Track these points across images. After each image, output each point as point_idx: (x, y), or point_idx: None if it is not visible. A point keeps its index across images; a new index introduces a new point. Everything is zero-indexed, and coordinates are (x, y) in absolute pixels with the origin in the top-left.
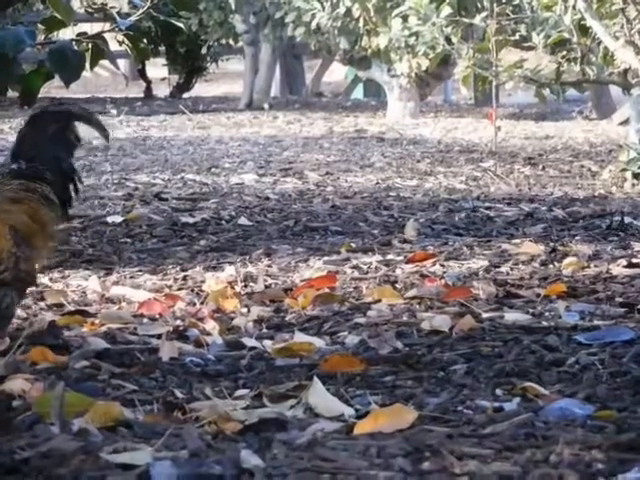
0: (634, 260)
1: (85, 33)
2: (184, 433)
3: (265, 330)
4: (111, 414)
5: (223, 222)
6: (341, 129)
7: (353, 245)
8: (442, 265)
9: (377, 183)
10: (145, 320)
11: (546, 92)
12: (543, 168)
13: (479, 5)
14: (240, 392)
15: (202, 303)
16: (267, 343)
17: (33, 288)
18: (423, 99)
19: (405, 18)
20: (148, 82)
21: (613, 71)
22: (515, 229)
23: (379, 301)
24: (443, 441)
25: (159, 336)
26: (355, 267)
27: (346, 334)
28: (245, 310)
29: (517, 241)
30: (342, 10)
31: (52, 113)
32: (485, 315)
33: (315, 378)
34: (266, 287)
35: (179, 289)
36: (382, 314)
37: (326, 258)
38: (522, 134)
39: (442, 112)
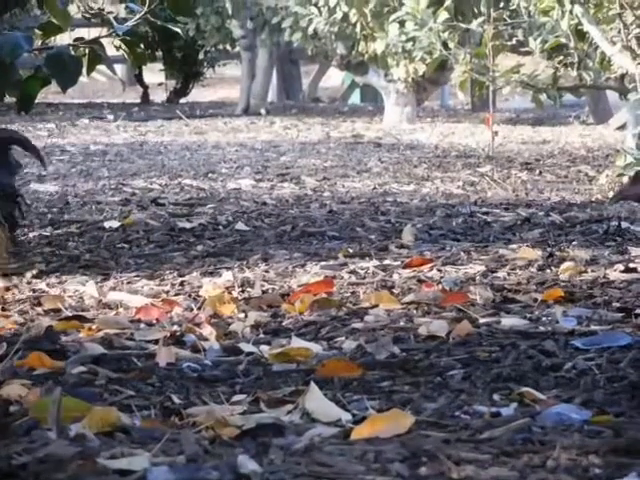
0: (631, 265)
1: (82, 38)
2: (181, 438)
3: (262, 335)
4: (108, 419)
5: (220, 227)
6: (338, 134)
7: (350, 250)
8: (439, 270)
9: (374, 188)
10: (142, 325)
11: (543, 97)
12: (540, 173)
13: (476, 10)
14: (237, 397)
15: (199, 308)
16: (264, 348)
17: (30, 293)
18: (420, 104)
19: (402, 23)
20: (145, 87)
21: (610, 76)
22: (512, 234)
23: (376, 306)
24: (440, 446)
25: (156, 341)
26: (352, 272)
27: (343, 339)
28: (242, 315)
29: (514, 246)
30: (339, 15)
31: None
32: (482, 320)
33: (312, 383)
34: (263, 292)
35: (176, 294)
36: (379, 319)
37: (323, 263)
38: (519, 139)
39: (439, 117)
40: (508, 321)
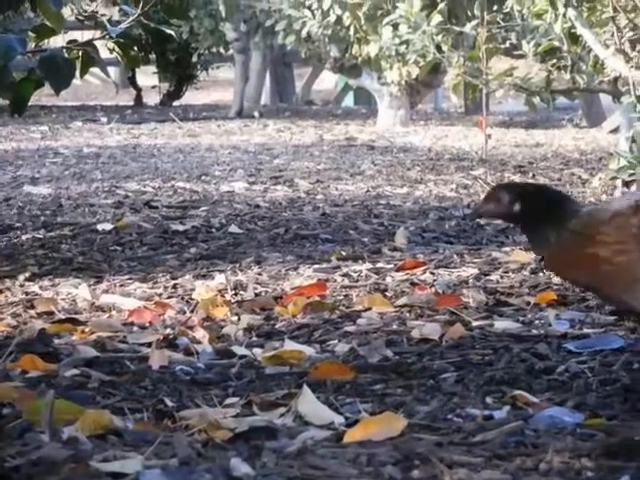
0: None
1: (76, 41)
2: (174, 441)
3: (255, 338)
4: (101, 422)
5: (213, 230)
6: (331, 137)
7: (343, 253)
8: (432, 273)
9: (367, 191)
10: (135, 328)
11: (536, 100)
12: (533, 176)
13: (469, 13)
14: (230, 400)
15: (192, 311)
16: (257, 351)
17: (23, 296)
18: (413, 107)
19: (395, 26)
20: (138, 90)
21: (603, 79)
22: (505, 237)
23: (369, 309)
24: (433, 449)
25: (149, 344)
26: (345, 275)
27: (336, 342)
28: (235, 318)
29: (507, 249)
30: (333, 18)
31: None
32: (475, 323)
33: (305, 386)
34: (256, 295)
35: (169, 297)
36: (372, 322)
37: (316, 266)
38: (512, 142)
39: (432, 120)
40: (501, 324)
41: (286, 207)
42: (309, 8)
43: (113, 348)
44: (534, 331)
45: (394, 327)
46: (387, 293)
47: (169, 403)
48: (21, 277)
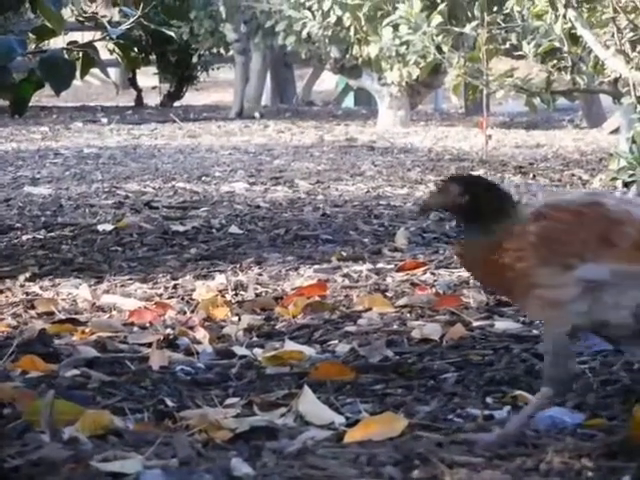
0: None
1: (76, 42)
2: (174, 441)
3: (255, 338)
4: (101, 422)
5: (214, 230)
6: (332, 138)
7: (344, 254)
8: (433, 273)
9: (368, 192)
10: (135, 329)
11: (537, 101)
12: (534, 177)
13: (470, 14)
14: (230, 400)
15: (192, 312)
16: (257, 351)
17: (23, 296)
18: (414, 108)
19: (396, 27)
20: (139, 91)
21: (603, 80)
22: None
23: (370, 309)
24: (433, 449)
25: (149, 345)
26: (346, 275)
27: (336, 342)
28: (235, 318)
29: None
30: (333, 19)
31: None
32: (475, 323)
33: (305, 386)
34: (257, 295)
35: (169, 297)
36: (372, 322)
37: (317, 266)
38: (513, 143)
39: (433, 121)
40: (501, 324)
41: (286, 208)
42: (309, 9)
43: (113, 348)
44: (534, 331)
45: (394, 327)
46: (387, 293)
47: (169, 403)
48: (21, 277)
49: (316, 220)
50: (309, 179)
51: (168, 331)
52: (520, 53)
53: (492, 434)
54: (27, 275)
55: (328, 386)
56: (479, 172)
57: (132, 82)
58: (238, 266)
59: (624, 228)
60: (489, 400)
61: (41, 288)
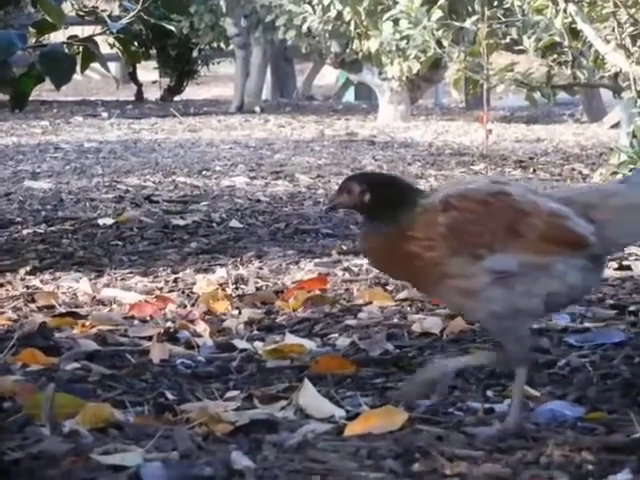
0: (624, 263)
1: (76, 36)
2: (175, 434)
3: (256, 332)
4: (102, 415)
5: (214, 224)
6: (332, 132)
7: (344, 247)
8: None
9: None
10: (136, 322)
11: (537, 95)
12: (534, 171)
13: (470, 8)
14: (231, 394)
15: (193, 305)
16: (258, 345)
17: (24, 290)
18: (414, 102)
19: (396, 21)
20: (139, 85)
21: (604, 74)
22: None
23: (370, 303)
24: (433, 442)
25: (150, 338)
26: (346, 269)
27: (337, 336)
28: (236, 312)
29: None
30: (333, 13)
31: None
32: None
33: (306, 380)
34: (257, 289)
35: (170, 291)
36: (373, 316)
37: (317, 260)
38: (513, 137)
39: (433, 115)
40: None
41: (287, 202)
42: (309, 3)
43: (114, 342)
44: (535, 325)
45: (395, 321)
46: (388, 287)
47: (170, 396)
48: (22, 271)
49: (316, 214)
50: (309, 173)
51: (168, 324)
52: (520, 47)
53: (492, 428)
54: (28, 269)
55: (328, 379)
56: (480, 166)
57: (132, 76)
58: (239, 260)
59: (531, 219)
60: (489, 393)
61: (42, 282)
